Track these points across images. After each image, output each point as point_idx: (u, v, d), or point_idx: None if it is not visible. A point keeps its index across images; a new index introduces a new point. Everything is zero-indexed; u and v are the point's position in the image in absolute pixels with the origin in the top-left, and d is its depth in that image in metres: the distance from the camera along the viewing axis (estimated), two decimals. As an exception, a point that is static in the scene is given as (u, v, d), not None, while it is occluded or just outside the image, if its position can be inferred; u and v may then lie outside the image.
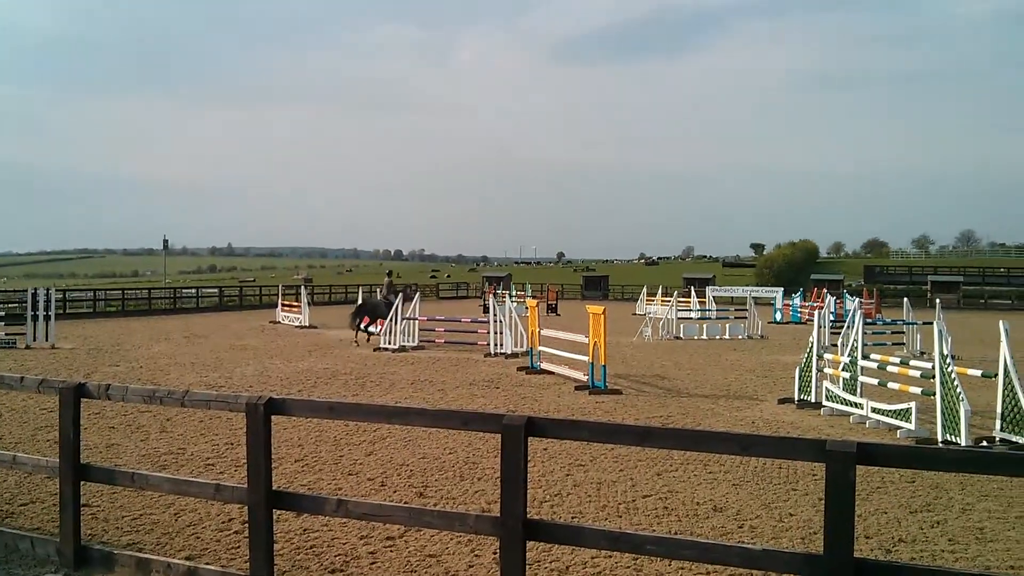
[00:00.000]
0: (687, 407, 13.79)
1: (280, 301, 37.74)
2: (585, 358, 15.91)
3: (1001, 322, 11.24)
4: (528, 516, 4.36)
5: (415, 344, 23.73)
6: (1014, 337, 11.71)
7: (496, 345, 22.04)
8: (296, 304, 35.56)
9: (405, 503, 7.63)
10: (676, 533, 6.94)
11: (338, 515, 5.06)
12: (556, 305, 46.92)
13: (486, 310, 28.03)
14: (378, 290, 30.47)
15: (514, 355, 21.32)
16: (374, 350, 22.92)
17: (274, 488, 5.25)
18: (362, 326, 25.70)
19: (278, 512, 6.51)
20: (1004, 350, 10.77)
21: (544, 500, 7.96)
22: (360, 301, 28.41)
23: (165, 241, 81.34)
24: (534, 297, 38.23)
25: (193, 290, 55.46)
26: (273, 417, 5.18)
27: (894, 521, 7.49)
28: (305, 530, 6.88)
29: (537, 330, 18.90)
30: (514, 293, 47.09)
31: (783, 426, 12.31)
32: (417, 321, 24.37)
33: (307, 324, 32.88)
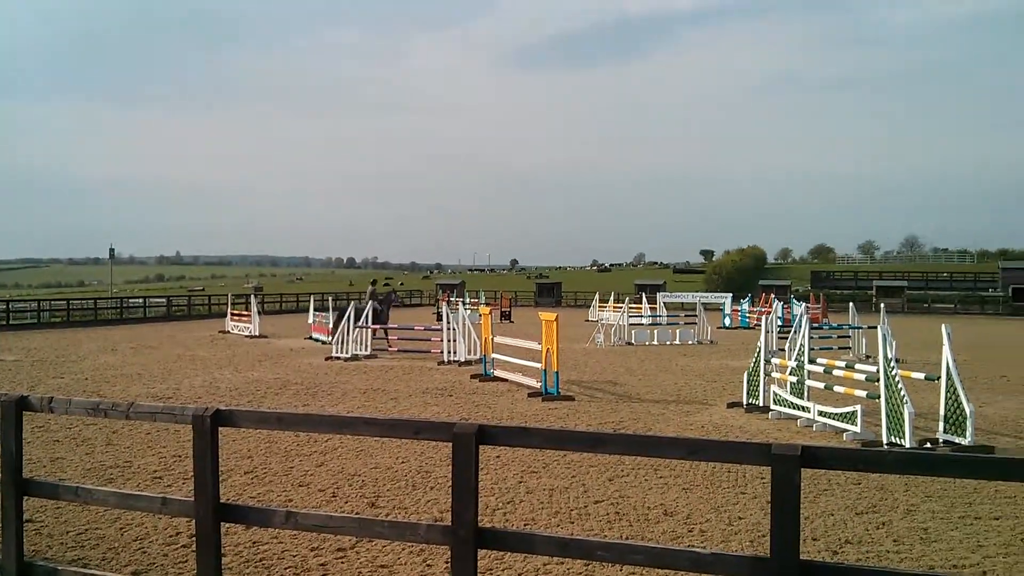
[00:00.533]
0: (638, 412, 13.90)
1: (230, 310, 37.21)
2: (538, 365, 15.96)
3: (944, 326, 11.52)
4: (480, 524, 4.36)
5: (368, 353, 23.57)
6: (956, 341, 12.02)
7: (450, 353, 21.99)
8: (246, 313, 35.09)
9: (356, 514, 7.56)
10: (627, 538, 7.00)
11: (287, 527, 5.00)
12: (510, 312, 46.99)
13: (440, 318, 27.96)
14: (363, 298, 30.33)
15: (468, 363, 21.30)
16: (326, 359, 22.71)
17: (222, 501, 5.18)
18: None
19: (227, 525, 6.43)
20: (946, 353, 11.04)
21: (497, 508, 7.96)
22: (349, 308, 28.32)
23: (111, 250, 79.69)
24: (487, 304, 38.28)
25: (140, 300, 54.39)
26: (221, 429, 5.11)
27: (841, 523, 7.63)
28: (255, 543, 6.80)
29: (490, 337, 18.91)
30: (468, 300, 47.05)
31: (732, 430, 12.48)
32: (370, 329, 24.22)
33: (257, 333, 32.48)
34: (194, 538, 5.43)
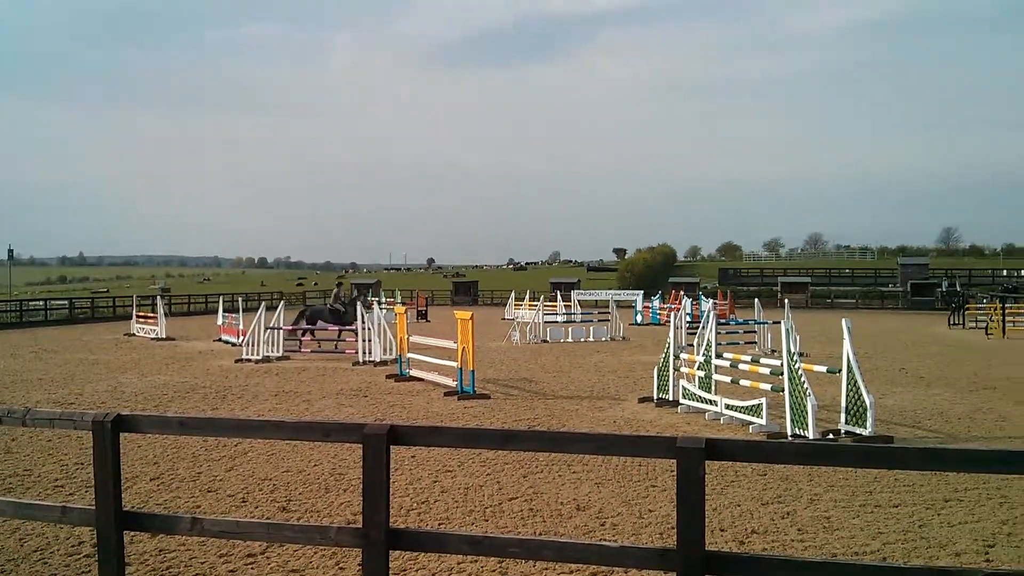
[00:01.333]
0: (553, 409, 14.04)
1: (135, 312, 36.05)
2: (454, 364, 15.96)
3: (844, 320, 11.96)
4: (393, 525, 4.36)
5: (280, 354, 23.16)
6: (857, 334, 12.49)
7: (365, 353, 21.80)
8: (152, 315, 34.05)
9: (267, 519, 7.46)
10: (540, 534, 7.07)
11: (193, 534, 4.90)
12: (426, 311, 46.77)
13: (306, 318, 27.71)
14: (328, 299, 29.80)
15: (383, 363, 21.15)
16: (236, 361, 22.23)
17: (126, 508, 5.04)
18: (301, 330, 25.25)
19: (132, 533, 6.26)
20: (847, 347, 11.47)
21: (412, 508, 7.94)
22: (304, 308, 27.93)
23: (10, 251, 76.25)
24: (403, 303, 38.01)
25: (41, 302, 52.25)
26: (124, 435, 4.98)
27: (747, 513, 7.86)
28: (161, 551, 6.62)
29: (406, 337, 18.82)
30: (383, 300, 46.67)
31: (643, 424, 12.71)
32: (282, 330, 23.81)
33: (164, 336, 31.57)
34: (97, 548, 5.27)
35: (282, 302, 28.00)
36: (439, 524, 7.43)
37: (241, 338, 24.36)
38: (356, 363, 21.45)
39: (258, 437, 5.07)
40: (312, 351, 24.12)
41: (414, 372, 18.20)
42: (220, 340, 29.25)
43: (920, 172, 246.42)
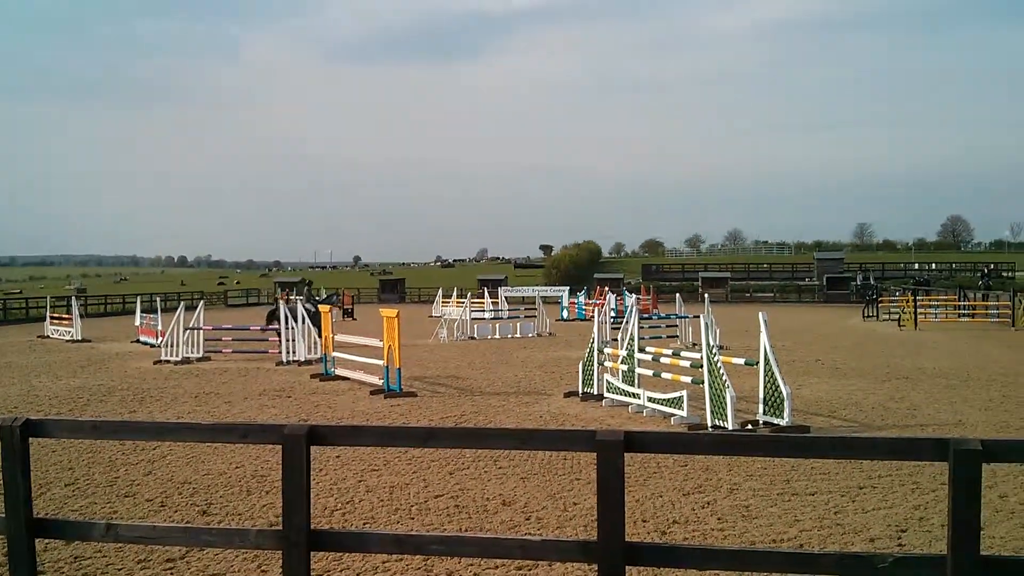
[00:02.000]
0: (480, 405, 14.07)
1: (49, 314, 34.83)
2: (380, 362, 15.85)
3: (760, 313, 12.27)
4: (316, 526, 4.32)
5: (200, 355, 22.66)
6: (775, 327, 12.84)
7: (289, 353, 21.50)
8: (67, 316, 32.94)
9: (186, 523, 7.30)
10: (466, 530, 7.09)
11: (108, 540, 4.78)
12: (352, 310, 46.31)
13: (275, 318, 27.24)
14: (298, 298, 29.00)
15: (308, 362, 20.89)
16: (154, 363, 21.67)
17: (37, 515, 4.88)
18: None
19: (45, 541, 6.07)
20: (764, 340, 11.77)
21: (336, 508, 7.88)
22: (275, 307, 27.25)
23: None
24: (328, 302, 37.57)
25: (-53, 305, 50.05)
26: (35, 440, 4.82)
27: (669, 504, 8.01)
28: (76, 558, 6.43)
29: (330, 335, 18.62)
30: (323, 294, 46.03)
31: (568, 419, 12.84)
32: (202, 331, 23.29)
33: (80, 338, 30.56)
34: (8, 557, 5.09)
35: (202, 302, 27.39)
36: (364, 524, 7.39)
37: (160, 339, 23.76)
38: (280, 363, 21.13)
39: (174, 440, 4.96)
40: (234, 351, 23.66)
41: (339, 371, 18.02)
42: (138, 341, 28.46)
43: (835, 170, 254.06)
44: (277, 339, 22.37)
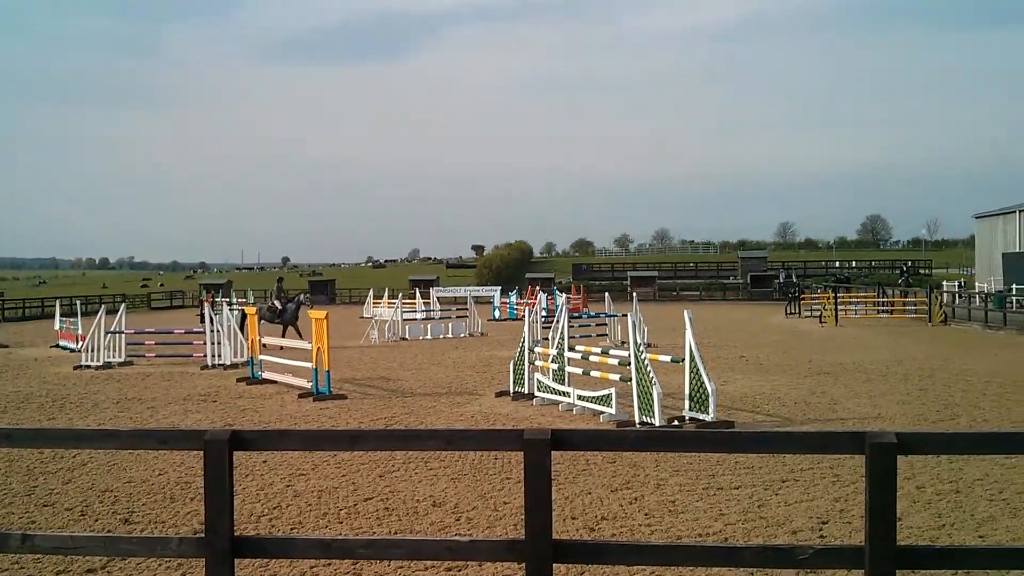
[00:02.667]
0: (411, 406, 14.01)
1: (-40, 319, 33.48)
2: (309, 364, 15.65)
3: (686, 312, 12.48)
4: (242, 533, 4.25)
5: (123, 359, 22.03)
6: (701, 325, 13.06)
7: (214, 356, 21.06)
8: (-20, 322, 31.72)
9: (107, 531, 7.10)
10: (395, 533, 7.06)
11: (24, 551, 4.63)
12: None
13: (203, 319, 26.67)
14: (270, 296, 28.27)
15: (234, 366, 20.49)
16: (75, 368, 21.00)
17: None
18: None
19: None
20: (689, 337, 11.98)
21: (263, 514, 7.76)
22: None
23: None
24: (256, 304, 36.95)
25: None
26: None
27: (597, 500, 8.09)
28: (-12, 573, 6.20)
29: (257, 338, 18.31)
30: (235, 301, 45.17)
31: (499, 418, 12.87)
32: (124, 334, 22.66)
33: (-6, 344, 29.46)
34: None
35: (124, 305, 26.67)
36: (291, 529, 7.29)
37: (80, 343, 23.05)
38: (205, 367, 20.69)
39: (92, 447, 4.82)
40: (158, 355, 23.07)
41: (267, 374, 17.73)
42: (58, 346, 27.55)
43: (759, 170, 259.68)
44: (203, 342, 21.88)
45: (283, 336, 25.53)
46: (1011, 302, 34.94)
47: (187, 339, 23.41)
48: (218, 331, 21.26)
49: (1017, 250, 49.81)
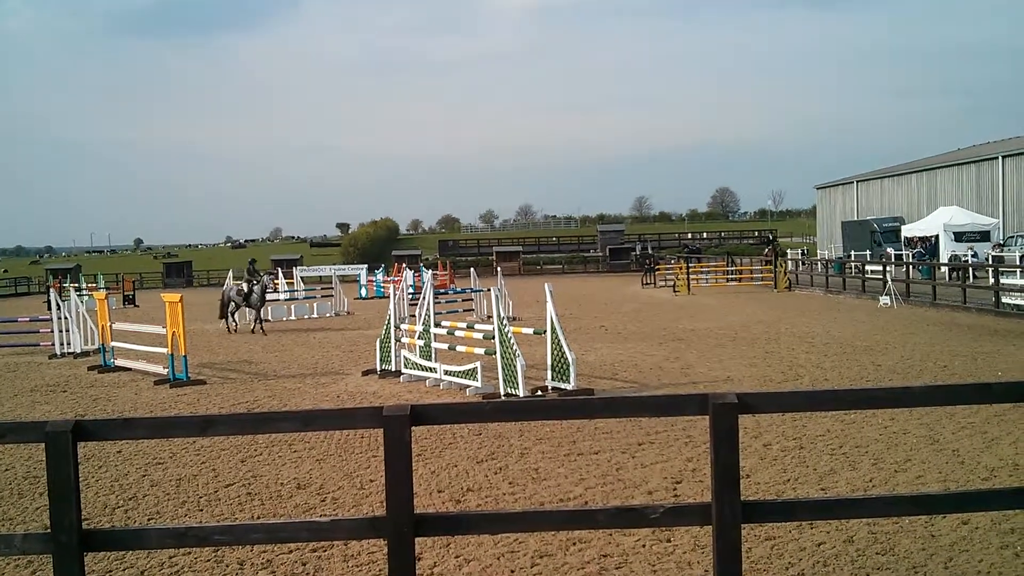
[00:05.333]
0: (274, 389, 13.76)
1: None
2: (164, 350, 15.10)
3: (546, 285, 12.75)
4: (90, 526, 4.12)
5: (-42, 352, 20.64)
6: (564, 296, 13.37)
7: (63, 344, 20.02)
8: None
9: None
10: (258, 518, 6.98)
11: None
12: (134, 296, 43.68)
13: (50, 306, 25.20)
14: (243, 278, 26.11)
15: (85, 354, 19.55)
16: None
17: None
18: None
19: None
20: (550, 309, 12.25)
21: (118, 505, 7.51)
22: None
23: None
24: (108, 289, 35.23)
25: None
26: None
27: (463, 472, 8.23)
28: None
29: (108, 324, 17.51)
30: (84, 285, 42.89)
31: (365, 396, 12.84)
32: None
33: None
34: None
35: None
36: (148, 520, 7.09)
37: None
38: (53, 356, 19.66)
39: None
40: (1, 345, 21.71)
41: (120, 362, 17.01)
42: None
43: (616, 146, 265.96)
44: (50, 330, 20.74)
45: (255, 322, 24.44)
46: (850, 268, 37.27)
47: (33, 327, 22.11)
48: (67, 318, 20.22)
49: (855, 219, 53.13)
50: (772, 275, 36.81)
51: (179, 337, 14.68)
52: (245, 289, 24.11)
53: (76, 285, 41.85)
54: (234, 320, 25.14)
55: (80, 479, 4.32)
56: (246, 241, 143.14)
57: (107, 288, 42.09)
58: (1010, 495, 4.49)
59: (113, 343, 17.29)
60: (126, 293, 43.40)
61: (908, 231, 42.01)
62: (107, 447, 9.48)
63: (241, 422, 4.22)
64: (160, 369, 15.39)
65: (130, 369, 16.53)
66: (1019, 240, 34.50)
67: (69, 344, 20.09)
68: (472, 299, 26.47)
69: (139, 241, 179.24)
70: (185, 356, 14.80)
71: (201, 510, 7.32)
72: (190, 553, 6.06)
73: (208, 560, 5.99)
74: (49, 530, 4.19)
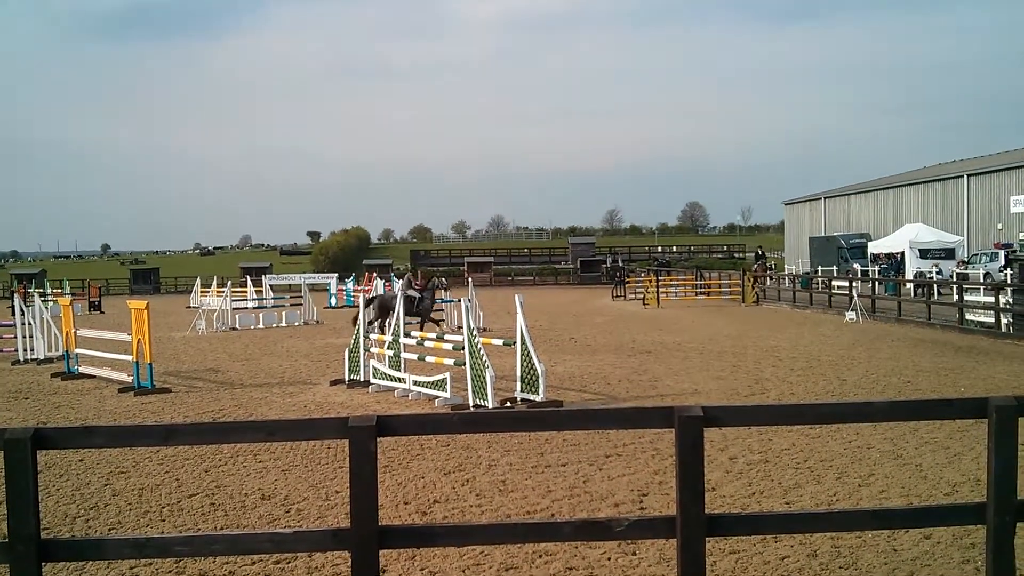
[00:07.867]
0: (240, 398, 13.63)
1: None
2: (129, 357, 14.91)
3: (516, 296, 12.76)
4: (52, 535, 4.05)
5: (-83, 358, 20.24)
6: (535, 308, 13.38)
7: (27, 351, 19.72)
8: None
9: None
10: (221, 529, 6.90)
11: None
12: (100, 302, 43.12)
13: (14, 312, 24.81)
14: (399, 285, 24.99)
15: (48, 360, 19.25)
16: None
17: None
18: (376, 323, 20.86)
19: None
20: (520, 320, 12.26)
21: (79, 515, 7.38)
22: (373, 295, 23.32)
23: None
24: (73, 295, 34.78)
25: None
26: None
27: (431, 484, 8.19)
28: None
29: (72, 331, 17.25)
30: (49, 291, 42.28)
31: (333, 406, 12.74)
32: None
33: None
34: None
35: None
36: (109, 530, 6.98)
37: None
38: (16, 362, 19.36)
39: None
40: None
41: (84, 369, 16.77)
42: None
43: (587, 160, 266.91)
44: (13, 336, 20.42)
45: (421, 330, 22.54)
46: (817, 283, 37.66)
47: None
48: (31, 324, 19.92)
49: (822, 234, 53.78)
50: (740, 289, 37.12)
51: (144, 344, 14.50)
52: (416, 296, 22.60)
53: (41, 290, 41.28)
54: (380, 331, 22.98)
55: (40, 487, 4.25)
56: (215, 248, 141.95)
57: (73, 294, 41.60)
58: (972, 510, 4.54)
59: (77, 350, 17.04)
60: (92, 299, 42.83)
61: (874, 247, 42.60)
62: (69, 455, 9.34)
63: (204, 432, 4.17)
64: (125, 377, 15.18)
65: (94, 376, 16.30)
66: (983, 258, 35.13)
67: (33, 350, 19.79)
68: (443, 309, 26.41)
69: (106, 247, 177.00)
70: (150, 364, 14.62)
71: (163, 520, 7.22)
72: (151, 564, 5.97)
73: (169, 571, 5.91)
74: (6, 539, 4.11)
